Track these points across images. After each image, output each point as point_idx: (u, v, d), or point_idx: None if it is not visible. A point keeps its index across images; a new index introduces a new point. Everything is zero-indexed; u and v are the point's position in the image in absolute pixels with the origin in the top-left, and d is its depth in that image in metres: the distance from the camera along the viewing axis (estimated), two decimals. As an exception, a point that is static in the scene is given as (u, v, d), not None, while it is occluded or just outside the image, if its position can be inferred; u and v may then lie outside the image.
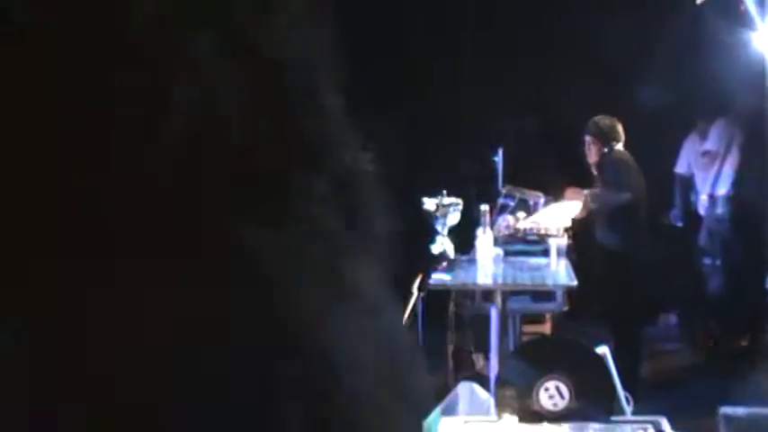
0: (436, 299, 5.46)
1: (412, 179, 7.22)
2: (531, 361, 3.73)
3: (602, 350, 4.45)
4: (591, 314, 7.31)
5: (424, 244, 5.62)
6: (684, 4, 6.81)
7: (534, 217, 6.44)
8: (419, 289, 3.41)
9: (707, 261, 7.54)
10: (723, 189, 7.40)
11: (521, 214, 6.50)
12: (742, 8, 6.36)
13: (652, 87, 7.59)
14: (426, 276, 3.44)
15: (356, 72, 7.88)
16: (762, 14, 6.16)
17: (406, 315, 3.40)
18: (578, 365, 3.72)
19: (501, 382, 3.75)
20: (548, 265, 5.55)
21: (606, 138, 6.52)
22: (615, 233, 6.45)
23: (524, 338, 6.75)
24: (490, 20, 8.03)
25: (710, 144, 7.55)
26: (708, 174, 7.58)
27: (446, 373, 6.77)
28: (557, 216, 6.41)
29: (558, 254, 5.62)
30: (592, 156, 6.62)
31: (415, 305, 3.41)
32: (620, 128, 6.55)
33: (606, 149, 6.52)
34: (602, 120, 6.57)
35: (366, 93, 8.44)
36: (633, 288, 6.46)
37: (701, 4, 6.60)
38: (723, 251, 7.37)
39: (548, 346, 3.63)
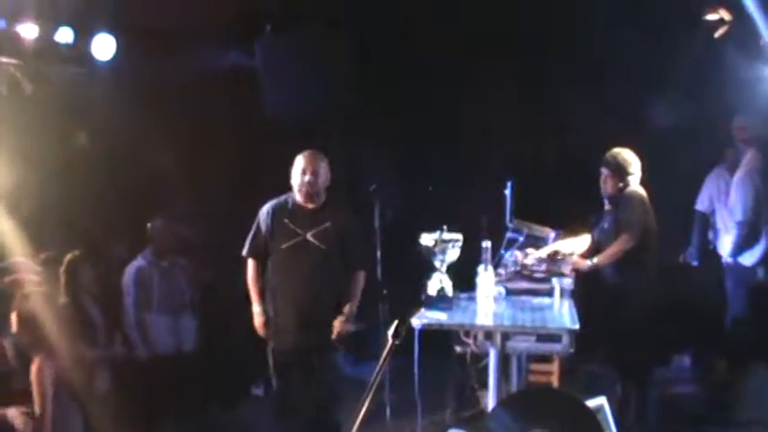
0: (441, 336, 5.29)
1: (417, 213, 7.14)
2: (519, 413, 3.55)
3: (599, 402, 4.25)
4: (600, 355, 7.12)
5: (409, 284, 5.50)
6: (704, 39, 6.68)
7: (543, 250, 6.27)
8: (394, 336, 3.22)
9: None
10: None
11: (529, 250, 6.32)
12: (761, 42, 6.22)
13: (672, 121, 7.45)
14: (403, 322, 3.25)
15: (366, 100, 7.89)
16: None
17: (381, 362, 3.20)
18: (568, 420, 3.54)
19: (486, 433, 3.58)
20: (551, 306, 5.34)
21: (623, 172, 6.36)
22: (622, 273, 6.27)
23: (531, 377, 6.59)
24: (505, 51, 7.89)
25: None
26: None
27: (447, 409, 6.65)
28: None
29: (563, 295, 5.41)
30: (607, 189, 6.46)
31: (390, 351, 3.21)
32: (637, 162, 6.38)
33: (622, 184, 6.36)
34: (620, 153, 6.41)
35: (373, 125, 8.45)
36: (640, 329, 6.24)
37: (720, 38, 6.47)
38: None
39: (538, 398, 3.42)
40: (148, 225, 7.24)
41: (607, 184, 6.44)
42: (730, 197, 7.17)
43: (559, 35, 7.68)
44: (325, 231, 5.67)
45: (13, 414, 5.33)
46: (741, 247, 7.06)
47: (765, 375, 6.28)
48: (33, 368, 5.29)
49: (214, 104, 7.68)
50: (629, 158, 6.37)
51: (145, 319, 7.09)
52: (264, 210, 5.80)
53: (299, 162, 5.69)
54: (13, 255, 6.48)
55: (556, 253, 6.22)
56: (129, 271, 7.13)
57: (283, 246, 5.67)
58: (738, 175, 7.08)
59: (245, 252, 5.82)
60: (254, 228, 5.82)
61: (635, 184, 6.37)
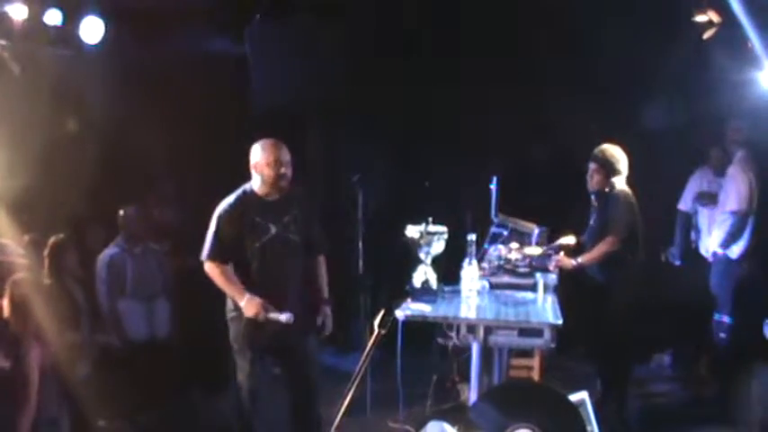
0: (422, 328, 5.32)
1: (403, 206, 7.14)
2: (502, 406, 3.58)
3: (581, 396, 4.29)
4: (580, 351, 7.17)
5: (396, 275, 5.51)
6: (693, 41, 6.73)
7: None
8: (380, 326, 3.23)
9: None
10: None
11: (513, 245, 6.35)
12: (749, 45, 6.26)
13: (658, 121, 7.50)
14: (389, 312, 3.26)
15: (353, 95, 7.87)
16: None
17: (366, 352, 3.22)
18: (550, 414, 3.57)
19: (469, 426, 3.60)
20: (534, 301, 5.38)
21: (610, 167, 6.39)
22: (606, 271, 6.31)
23: (512, 372, 6.63)
24: (492, 47, 7.91)
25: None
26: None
27: (428, 401, 6.67)
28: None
29: (546, 290, 5.46)
30: (593, 184, 6.49)
31: (376, 341, 3.23)
32: (624, 159, 6.40)
33: (608, 180, 6.38)
34: (608, 149, 6.44)
35: (361, 117, 8.46)
36: (621, 326, 6.29)
37: (708, 40, 6.51)
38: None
39: (520, 392, 3.44)
40: (120, 212, 7.22)
41: (593, 179, 6.48)
42: (724, 189, 7.22)
43: (550, 35, 7.71)
44: (294, 220, 5.41)
45: None
46: (733, 236, 7.12)
47: (746, 373, 6.33)
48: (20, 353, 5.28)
49: (202, 90, 7.67)
50: (617, 155, 6.40)
51: (118, 306, 7.08)
52: (224, 209, 5.38)
53: (268, 153, 5.31)
54: (-1, 236, 6.46)
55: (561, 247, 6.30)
56: (102, 259, 7.10)
57: (257, 244, 5.30)
58: (732, 169, 7.14)
59: (205, 255, 5.35)
60: (213, 229, 5.36)
61: (622, 183, 6.40)
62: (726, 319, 7.14)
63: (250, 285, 5.31)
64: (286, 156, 5.35)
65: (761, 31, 6.22)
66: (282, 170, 5.32)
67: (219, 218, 5.35)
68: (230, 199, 5.40)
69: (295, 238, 5.42)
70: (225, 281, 5.33)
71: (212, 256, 5.33)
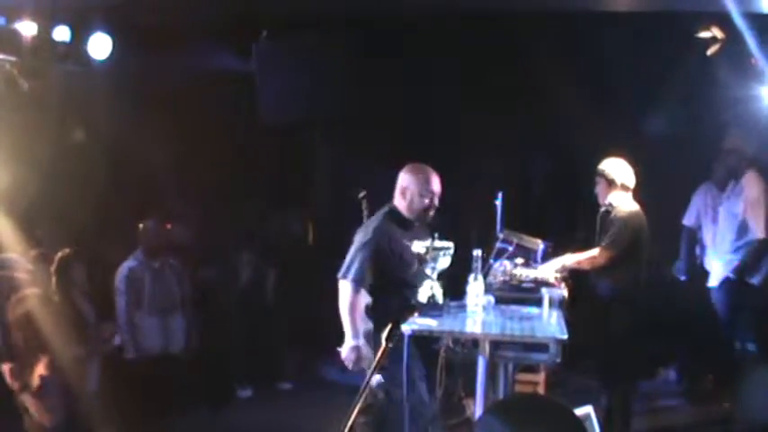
0: (427, 342, 5.31)
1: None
2: (508, 420, 3.57)
3: (586, 411, 4.29)
4: (586, 366, 7.16)
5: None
6: (697, 57, 6.76)
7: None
8: (387, 339, 3.25)
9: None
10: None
11: (518, 260, 6.35)
12: (752, 61, 6.27)
13: (663, 136, 7.51)
14: (396, 326, 3.29)
15: (357, 106, 7.87)
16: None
17: (374, 365, 3.24)
18: (556, 428, 3.56)
19: (474, 441, 3.59)
20: (540, 316, 5.37)
21: (609, 181, 6.38)
22: (612, 286, 6.29)
23: (518, 387, 6.62)
24: (496, 61, 7.94)
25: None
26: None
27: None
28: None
29: (552, 305, 5.43)
30: (599, 197, 6.48)
31: (383, 356, 3.25)
32: (627, 173, 6.38)
33: (608, 200, 6.37)
34: (608, 163, 6.44)
35: (367, 131, 8.48)
36: (627, 341, 6.28)
37: (712, 56, 6.52)
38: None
39: (526, 406, 3.44)
40: (140, 226, 7.26)
41: (599, 194, 6.49)
42: (731, 211, 7.17)
43: (555, 50, 7.74)
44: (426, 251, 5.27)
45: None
46: (755, 263, 7.05)
47: (753, 387, 6.31)
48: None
49: (209, 105, 7.71)
50: (621, 169, 6.38)
51: (135, 319, 7.11)
52: (378, 229, 5.24)
53: (422, 183, 5.28)
54: (6, 251, 6.50)
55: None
56: (121, 272, 7.16)
57: (412, 270, 5.23)
58: (753, 191, 7.05)
59: (350, 278, 5.14)
60: (365, 251, 5.18)
61: (627, 199, 6.36)
62: (750, 346, 7.07)
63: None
64: (439, 187, 5.30)
65: (765, 47, 6.25)
66: (434, 201, 5.28)
67: (369, 238, 5.20)
68: (380, 222, 5.27)
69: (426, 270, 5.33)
70: (352, 310, 5.16)
71: (357, 279, 5.13)
